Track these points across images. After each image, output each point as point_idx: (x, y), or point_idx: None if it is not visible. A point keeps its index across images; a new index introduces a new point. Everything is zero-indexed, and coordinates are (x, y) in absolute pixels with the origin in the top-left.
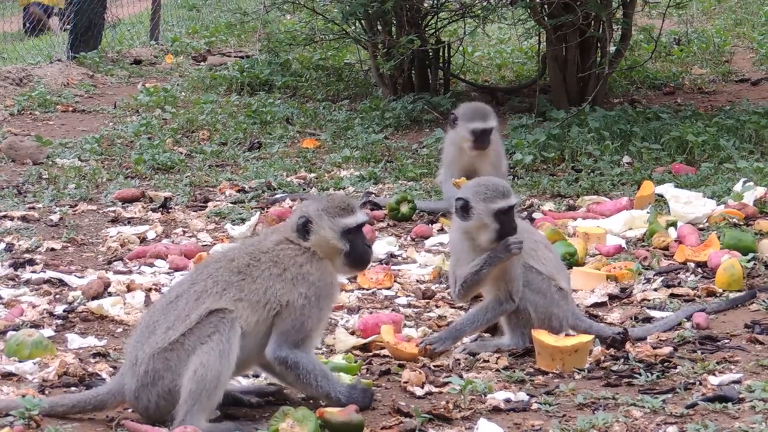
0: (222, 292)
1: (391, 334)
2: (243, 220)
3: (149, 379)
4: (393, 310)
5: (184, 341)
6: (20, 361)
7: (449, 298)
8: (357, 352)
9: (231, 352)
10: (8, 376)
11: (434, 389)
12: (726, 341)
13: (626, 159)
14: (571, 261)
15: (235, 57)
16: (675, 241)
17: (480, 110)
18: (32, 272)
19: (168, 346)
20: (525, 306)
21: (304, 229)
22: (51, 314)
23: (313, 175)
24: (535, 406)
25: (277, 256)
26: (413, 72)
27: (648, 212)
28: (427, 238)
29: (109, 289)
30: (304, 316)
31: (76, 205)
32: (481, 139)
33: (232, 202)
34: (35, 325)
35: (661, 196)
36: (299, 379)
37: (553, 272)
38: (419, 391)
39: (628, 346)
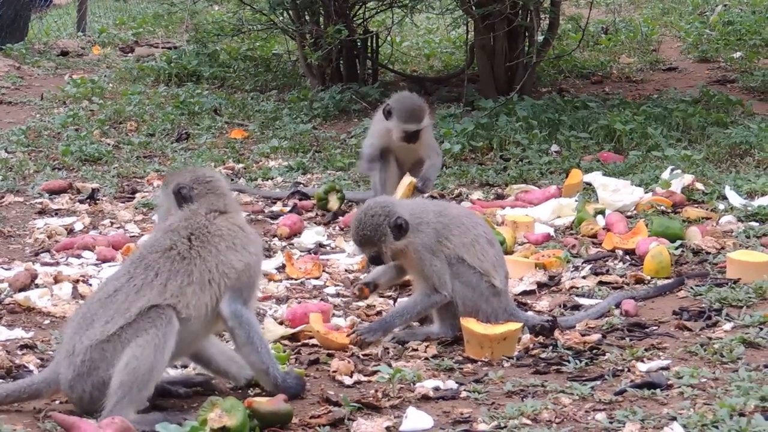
0: (166, 281)
1: (320, 322)
2: None
3: (85, 369)
4: (321, 299)
5: (121, 334)
6: None
7: None
8: (285, 341)
9: (166, 348)
10: None
11: (363, 378)
12: (654, 328)
13: (554, 148)
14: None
15: (162, 48)
16: (603, 228)
17: (415, 112)
18: None
19: (106, 339)
20: (454, 297)
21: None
22: None
23: (241, 165)
24: (464, 394)
25: (219, 229)
26: (341, 62)
27: (576, 200)
28: None
29: (37, 281)
30: (255, 273)
31: (2, 197)
32: (412, 137)
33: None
34: None
35: (590, 184)
36: (249, 339)
37: (489, 268)
38: (348, 380)
39: (556, 333)
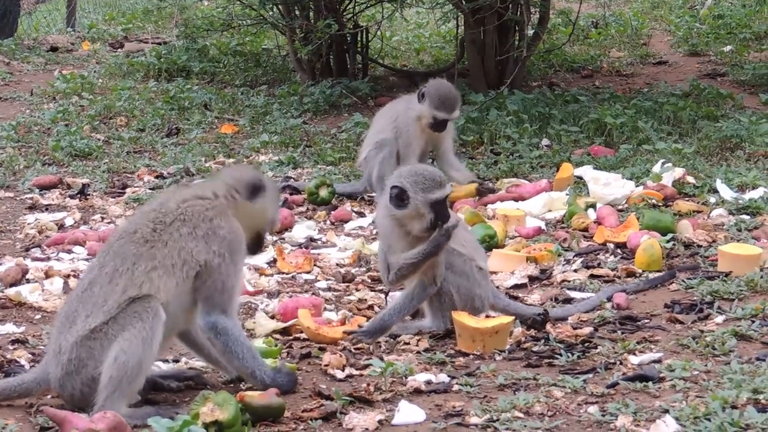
0: (133, 266)
1: (309, 318)
2: None
3: (73, 367)
4: (313, 293)
5: (106, 329)
6: None
7: (369, 281)
8: (277, 336)
9: (154, 340)
10: None
11: (355, 372)
12: (646, 321)
13: (545, 141)
14: (491, 243)
15: (152, 43)
16: (594, 222)
17: (450, 101)
18: None
19: (90, 334)
20: (448, 289)
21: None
22: None
23: (231, 160)
24: (456, 387)
25: (184, 214)
26: (331, 57)
27: (567, 194)
28: (346, 221)
29: (27, 276)
30: (226, 277)
31: None
32: (440, 125)
33: (150, 188)
34: None
35: (580, 178)
36: (227, 348)
37: (473, 252)
38: (340, 374)
39: (548, 326)
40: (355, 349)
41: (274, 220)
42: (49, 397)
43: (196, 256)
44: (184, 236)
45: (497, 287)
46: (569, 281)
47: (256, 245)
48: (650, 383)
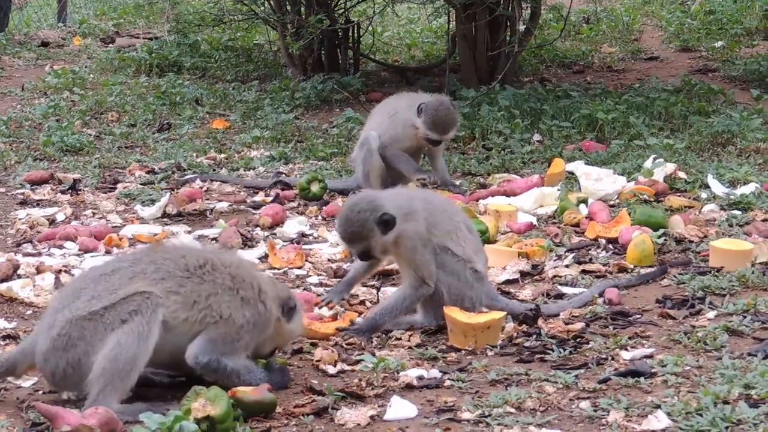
0: (160, 279)
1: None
2: (153, 201)
3: (62, 344)
4: (305, 289)
5: (104, 315)
6: None
7: None
8: None
9: (150, 337)
10: None
11: (347, 367)
12: (638, 316)
13: (536, 137)
14: (483, 238)
15: (143, 38)
16: (586, 217)
17: (444, 124)
18: None
19: (87, 315)
20: (439, 287)
21: None
22: None
23: (223, 155)
24: (447, 383)
25: (236, 274)
26: (323, 52)
27: (559, 189)
28: None
29: (19, 272)
30: (240, 336)
31: None
32: (434, 143)
33: (141, 184)
34: None
35: (572, 173)
36: (220, 379)
37: (471, 254)
38: (332, 370)
39: (540, 322)
40: (347, 344)
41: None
42: (40, 392)
43: (222, 309)
44: (224, 288)
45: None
46: (561, 277)
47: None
48: (642, 378)
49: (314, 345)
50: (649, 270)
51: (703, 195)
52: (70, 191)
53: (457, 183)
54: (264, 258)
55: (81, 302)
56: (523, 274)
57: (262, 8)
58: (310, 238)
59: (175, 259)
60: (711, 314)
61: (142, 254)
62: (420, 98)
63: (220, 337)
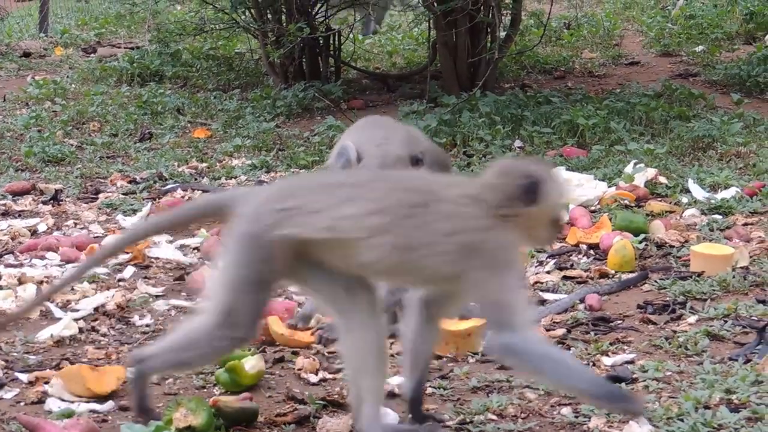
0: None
1: (280, 324)
2: (135, 211)
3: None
4: (286, 297)
5: None
6: None
7: None
8: None
9: None
10: None
11: (328, 376)
12: (619, 322)
13: (518, 143)
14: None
15: (125, 48)
16: (567, 223)
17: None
18: None
19: None
20: None
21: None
22: None
23: (204, 164)
24: (429, 390)
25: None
26: (304, 60)
27: None
28: None
29: (0, 283)
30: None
31: None
32: None
33: (123, 193)
34: None
35: None
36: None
37: None
38: (313, 378)
39: None
40: (328, 353)
41: None
42: (22, 404)
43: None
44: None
45: None
46: (542, 283)
47: None
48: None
49: (296, 354)
50: (630, 275)
51: (684, 200)
52: (51, 202)
53: None
54: None
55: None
56: None
57: (243, 17)
58: None
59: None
60: (692, 319)
61: (367, 178)
62: (410, 138)
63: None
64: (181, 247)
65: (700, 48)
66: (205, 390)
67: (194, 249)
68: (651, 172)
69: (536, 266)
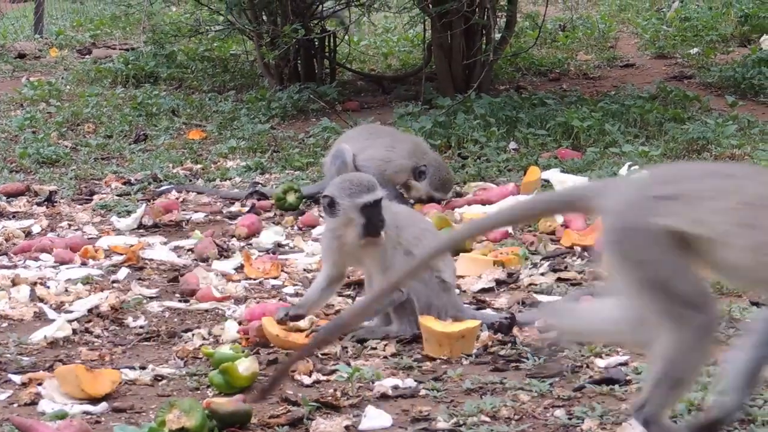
0: None
1: (275, 325)
2: (129, 213)
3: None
4: (280, 299)
5: None
6: None
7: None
8: (244, 341)
9: None
10: None
11: (322, 377)
12: None
13: (512, 145)
14: (458, 247)
15: (120, 49)
16: (561, 225)
17: (450, 183)
18: None
19: None
20: (409, 294)
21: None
22: None
23: (199, 166)
24: (423, 392)
25: None
26: (299, 62)
27: None
28: (314, 227)
29: None
30: None
31: None
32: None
33: (118, 195)
34: None
35: (548, 181)
36: None
37: (439, 263)
38: (307, 380)
39: (515, 330)
40: (321, 354)
41: None
42: (15, 405)
43: None
44: None
45: (464, 291)
46: (536, 285)
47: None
48: (617, 386)
49: (289, 355)
50: None
51: None
52: (46, 203)
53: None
54: (240, 268)
55: None
56: (499, 283)
57: (239, 19)
58: (286, 248)
59: None
60: None
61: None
62: (415, 153)
63: None
64: (175, 249)
65: (695, 50)
66: (199, 392)
67: (188, 251)
68: None
69: (531, 268)
